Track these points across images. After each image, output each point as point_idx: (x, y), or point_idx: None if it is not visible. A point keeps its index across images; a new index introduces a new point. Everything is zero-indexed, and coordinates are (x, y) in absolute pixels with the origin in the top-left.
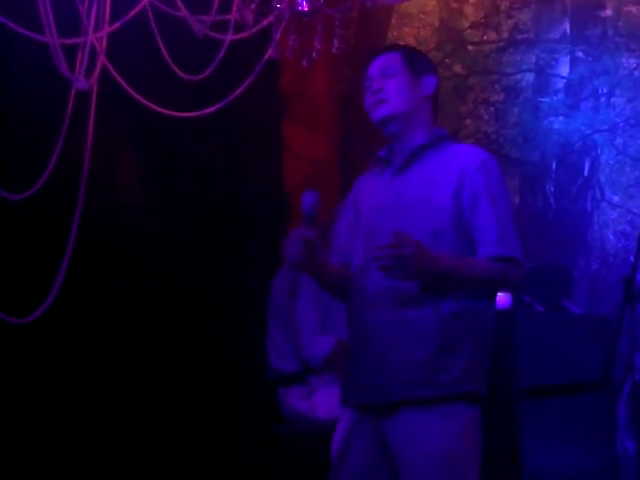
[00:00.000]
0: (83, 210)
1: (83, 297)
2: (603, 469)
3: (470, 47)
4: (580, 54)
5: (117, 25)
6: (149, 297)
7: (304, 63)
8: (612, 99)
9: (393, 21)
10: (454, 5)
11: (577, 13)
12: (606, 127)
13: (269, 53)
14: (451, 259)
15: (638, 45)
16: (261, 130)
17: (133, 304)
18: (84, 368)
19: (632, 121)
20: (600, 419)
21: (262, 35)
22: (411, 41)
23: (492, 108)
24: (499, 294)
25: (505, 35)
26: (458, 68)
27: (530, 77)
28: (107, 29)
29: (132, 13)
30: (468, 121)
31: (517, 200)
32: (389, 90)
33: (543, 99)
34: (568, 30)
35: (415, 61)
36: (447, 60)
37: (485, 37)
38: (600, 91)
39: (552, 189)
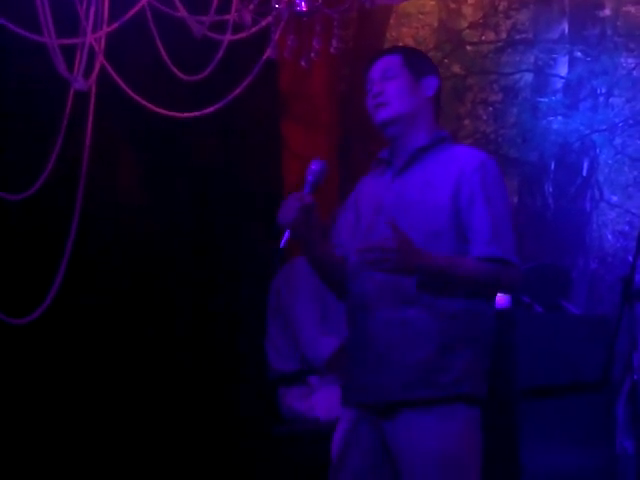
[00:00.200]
0: (82, 210)
1: (82, 297)
2: (602, 469)
3: (469, 47)
4: (579, 54)
5: (116, 25)
6: (148, 297)
7: (303, 63)
8: (611, 99)
9: (392, 21)
10: (453, 5)
11: (575, 13)
12: (605, 127)
13: (268, 53)
14: (438, 257)
15: (637, 45)
16: (260, 130)
17: (132, 304)
18: (83, 368)
19: (631, 121)
20: (599, 419)
21: (261, 35)
22: (410, 41)
23: (490, 108)
24: (498, 295)
25: (503, 35)
26: (457, 68)
27: (529, 77)
28: (106, 29)
29: (131, 13)
30: (466, 121)
31: (516, 200)
32: (390, 93)
33: (542, 99)
34: (566, 30)
35: (415, 63)
36: (446, 60)
37: (484, 37)
38: (599, 91)
39: (551, 189)
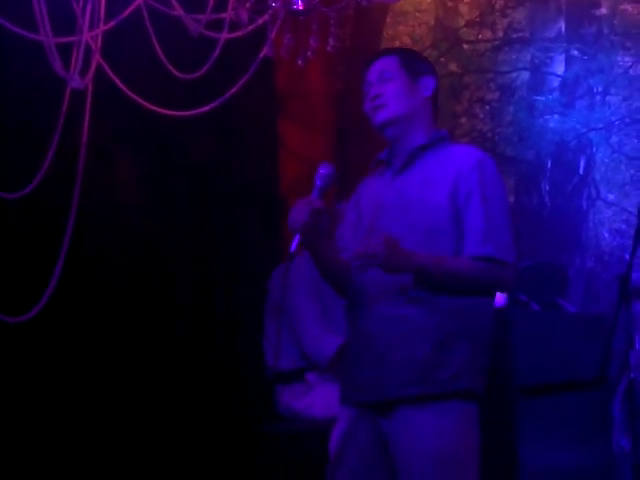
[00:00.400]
0: (79, 209)
1: (79, 296)
2: (599, 466)
3: (465, 46)
4: (575, 52)
5: (112, 24)
6: (145, 295)
7: (299, 62)
8: (607, 97)
9: (388, 19)
10: (449, 4)
11: (572, 12)
12: (601, 125)
13: (264, 52)
14: (427, 256)
15: (633, 43)
16: (257, 129)
17: (129, 302)
18: (81, 367)
19: (627, 119)
20: (596, 417)
21: (257, 34)
22: (406, 39)
23: (487, 107)
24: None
25: (500, 34)
26: (453, 67)
27: (525, 76)
28: (102, 28)
29: (127, 12)
30: (463, 120)
31: (512, 199)
32: (387, 94)
33: (538, 97)
34: (563, 29)
35: (412, 63)
36: (442, 59)
37: (480, 36)
38: (595, 89)
39: (547, 187)
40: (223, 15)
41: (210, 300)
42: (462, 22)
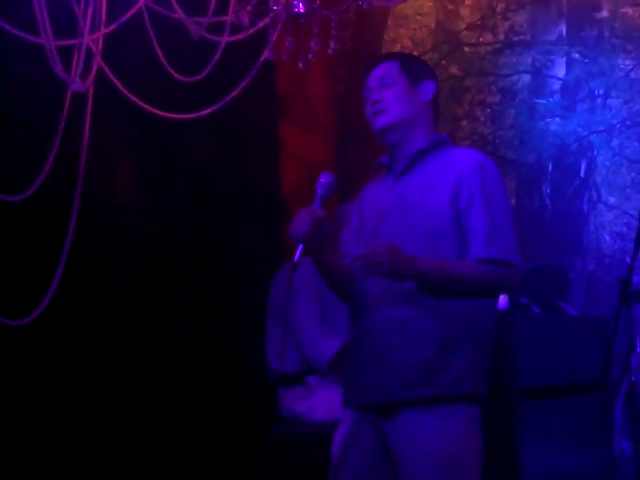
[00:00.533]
0: (80, 211)
1: (80, 298)
2: (600, 469)
3: (466, 49)
4: (576, 55)
5: (113, 27)
6: (146, 298)
7: (300, 64)
8: (608, 100)
9: (389, 23)
10: (450, 7)
11: (573, 15)
12: (602, 128)
13: (265, 55)
14: (429, 260)
15: (634, 46)
16: (257, 131)
17: (130, 304)
18: (82, 369)
19: (628, 122)
20: (597, 420)
21: (258, 37)
22: (407, 43)
23: (488, 110)
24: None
25: (501, 37)
26: (454, 70)
27: (526, 79)
28: (103, 31)
29: (128, 15)
30: (464, 123)
31: (513, 202)
32: (388, 100)
33: (539, 100)
34: (564, 32)
35: (412, 68)
36: (443, 62)
37: (481, 39)
38: (596, 92)
39: (548, 190)
40: (224, 18)
41: (210, 302)
42: (463, 25)
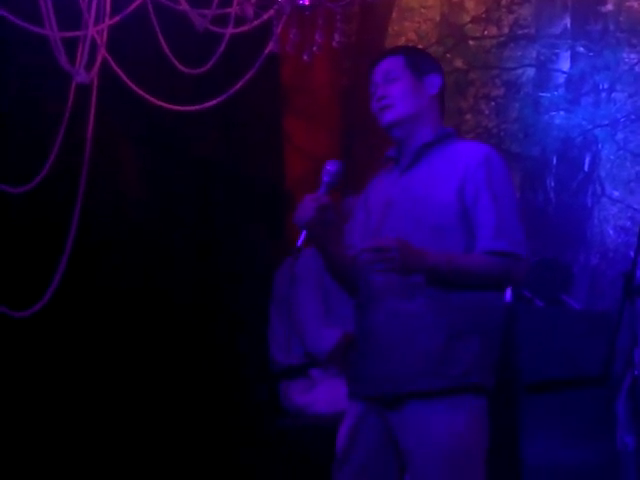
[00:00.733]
0: (83, 203)
1: (83, 291)
2: (603, 464)
3: (471, 42)
4: (581, 49)
5: (117, 18)
6: (149, 289)
7: (305, 57)
8: (613, 94)
9: (394, 15)
10: (455, 0)
11: (578, 8)
12: (607, 122)
13: (270, 47)
14: (439, 254)
15: (639, 40)
16: (262, 124)
17: (133, 297)
18: (84, 362)
19: (633, 116)
20: (600, 414)
21: (263, 29)
22: (412, 36)
23: (493, 103)
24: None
25: (506, 30)
26: (459, 63)
27: (531, 72)
28: (107, 22)
29: (132, 6)
30: (469, 116)
31: (518, 195)
32: (393, 95)
33: (544, 94)
34: (569, 25)
35: (418, 62)
36: (448, 55)
37: (486, 32)
38: (601, 86)
39: (552, 184)
40: (229, 10)
41: (213, 295)
42: (468, 18)
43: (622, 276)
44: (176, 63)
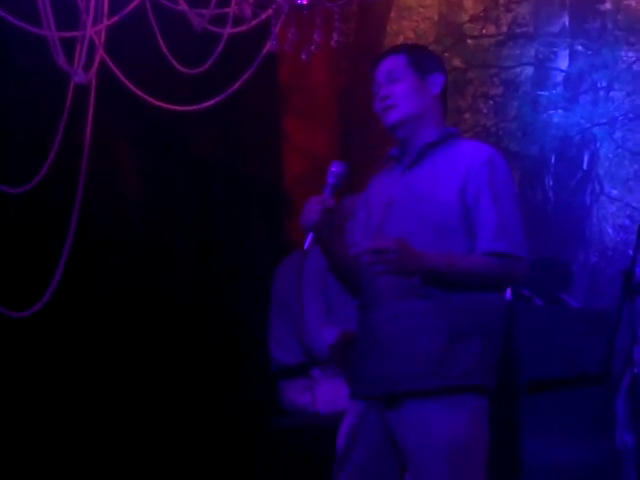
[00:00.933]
0: (82, 204)
1: (82, 291)
2: (602, 462)
3: (469, 41)
4: (579, 48)
5: (116, 19)
6: (148, 290)
7: (303, 56)
8: (611, 93)
9: (392, 15)
10: None
11: (576, 7)
12: (605, 121)
13: (268, 46)
14: (438, 255)
15: (637, 39)
16: (260, 124)
17: (132, 298)
18: (83, 363)
19: (631, 115)
20: (599, 413)
21: (261, 28)
22: (410, 35)
23: (491, 102)
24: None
25: (504, 29)
26: (457, 62)
27: (529, 71)
28: (106, 22)
29: (131, 6)
30: (467, 115)
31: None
32: (397, 95)
33: (542, 93)
34: (567, 24)
35: (420, 61)
36: (446, 54)
37: (484, 31)
38: (599, 85)
39: (551, 183)
40: (227, 10)
41: (212, 295)
42: (466, 17)
43: (621, 274)
44: (174, 63)
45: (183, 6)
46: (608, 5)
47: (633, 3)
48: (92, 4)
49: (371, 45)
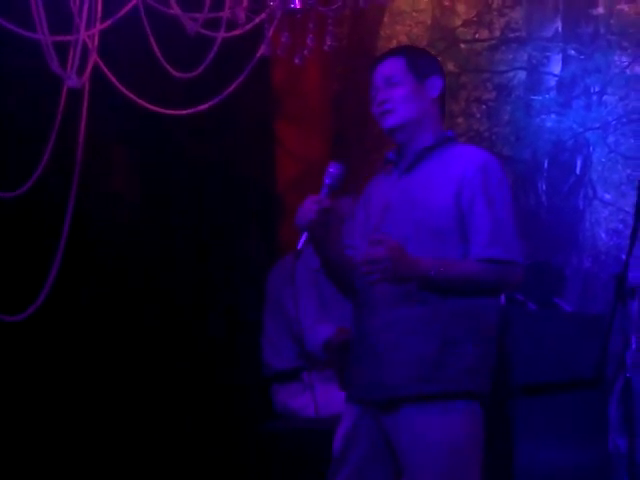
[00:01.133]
0: (76, 208)
1: (76, 295)
2: (595, 466)
3: (462, 45)
4: (572, 52)
5: (109, 23)
6: (143, 294)
7: (296, 61)
8: (604, 97)
9: (385, 19)
10: (446, 3)
11: (569, 11)
12: (598, 125)
13: (261, 50)
14: (432, 261)
15: (630, 43)
16: (253, 128)
17: (127, 301)
18: (78, 366)
19: (624, 119)
20: (592, 417)
21: (254, 33)
22: (403, 39)
23: (484, 106)
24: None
25: (497, 33)
26: (450, 66)
27: (522, 75)
28: (99, 27)
29: (124, 10)
30: (460, 119)
31: None
32: (395, 100)
33: (535, 97)
34: (560, 28)
35: (419, 64)
36: (439, 58)
37: (477, 35)
38: (592, 89)
39: (544, 187)
40: (220, 14)
41: (206, 298)
42: (459, 22)
43: (614, 279)
44: (168, 67)
45: (176, 10)
46: (601, 10)
47: (626, 8)
48: (85, 8)
49: (364, 49)
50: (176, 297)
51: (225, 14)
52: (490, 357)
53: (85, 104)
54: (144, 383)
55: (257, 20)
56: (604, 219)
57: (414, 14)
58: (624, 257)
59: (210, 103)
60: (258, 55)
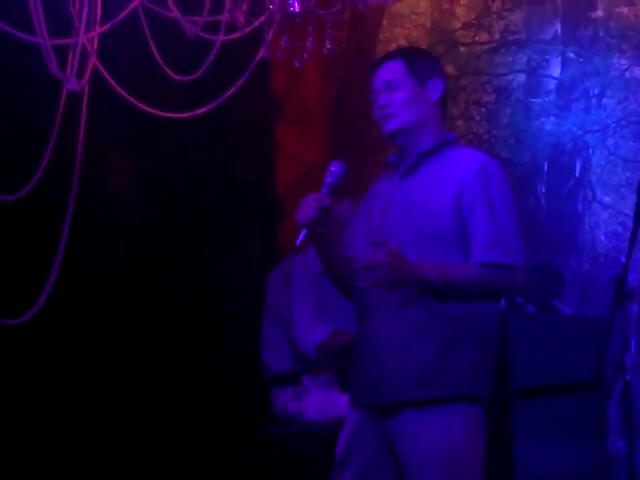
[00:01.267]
0: (76, 210)
1: (76, 297)
2: (595, 469)
3: (462, 48)
4: (571, 55)
5: (108, 26)
6: (143, 296)
7: (296, 64)
8: (603, 100)
9: (384, 22)
10: (446, 6)
11: (568, 14)
12: (597, 128)
13: (261, 54)
14: (432, 266)
15: (629, 46)
16: (253, 131)
17: (127, 303)
18: (78, 369)
19: (623, 122)
20: (591, 419)
21: (254, 36)
22: (403, 42)
23: (483, 109)
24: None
25: (496, 36)
26: (450, 69)
27: (522, 78)
28: (98, 30)
29: (123, 14)
30: (460, 122)
31: None
32: (395, 104)
33: (534, 100)
34: (559, 31)
35: (419, 67)
36: None
37: (477, 38)
38: (591, 92)
39: (543, 190)
40: (220, 17)
41: (205, 301)
42: (458, 24)
43: (613, 281)
44: (167, 70)
45: (176, 13)
46: (600, 12)
47: (625, 10)
48: (85, 11)
49: (364, 52)
50: (175, 300)
51: (224, 17)
52: (489, 360)
53: (85, 107)
54: (144, 386)
55: (256, 23)
56: (603, 222)
57: (413, 17)
58: (623, 260)
59: (209, 106)
60: (257, 58)
